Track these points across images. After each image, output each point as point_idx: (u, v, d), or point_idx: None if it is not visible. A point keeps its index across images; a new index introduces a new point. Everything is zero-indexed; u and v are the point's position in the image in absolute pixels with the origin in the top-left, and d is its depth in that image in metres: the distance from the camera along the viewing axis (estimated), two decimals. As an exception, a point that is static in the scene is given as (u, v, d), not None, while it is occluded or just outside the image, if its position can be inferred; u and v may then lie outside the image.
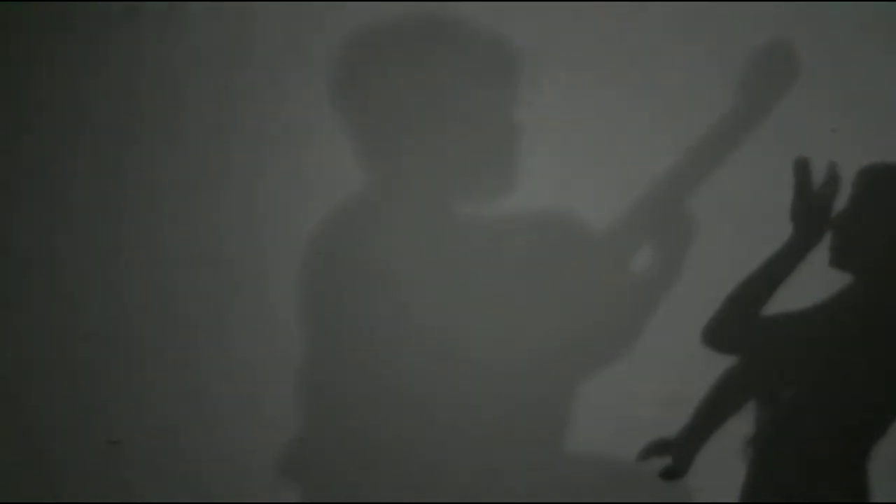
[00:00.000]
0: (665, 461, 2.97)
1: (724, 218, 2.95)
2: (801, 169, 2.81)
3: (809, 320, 2.86)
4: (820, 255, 2.86)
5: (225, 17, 3.07)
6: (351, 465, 3.05)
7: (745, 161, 2.94)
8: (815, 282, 2.88)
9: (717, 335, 2.88)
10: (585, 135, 2.99)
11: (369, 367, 3.01)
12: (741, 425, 2.95)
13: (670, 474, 2.95)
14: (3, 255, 3.13)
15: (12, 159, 3.12)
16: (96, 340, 3.12)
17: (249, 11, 3.06)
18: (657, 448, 2.96)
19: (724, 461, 2.94)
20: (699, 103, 2.95)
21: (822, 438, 2.81)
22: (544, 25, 2.98)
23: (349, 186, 3.00)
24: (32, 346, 3.13)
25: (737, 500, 2.92)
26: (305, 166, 3.04)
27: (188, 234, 3.09)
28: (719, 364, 2.91)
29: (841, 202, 2.84)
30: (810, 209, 2.83)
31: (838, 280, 2.86)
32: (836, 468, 2.81)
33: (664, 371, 2.97)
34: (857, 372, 2.80)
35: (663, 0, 2.96)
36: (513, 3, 2.97)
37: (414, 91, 2.97)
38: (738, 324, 2.87)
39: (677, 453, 2.95)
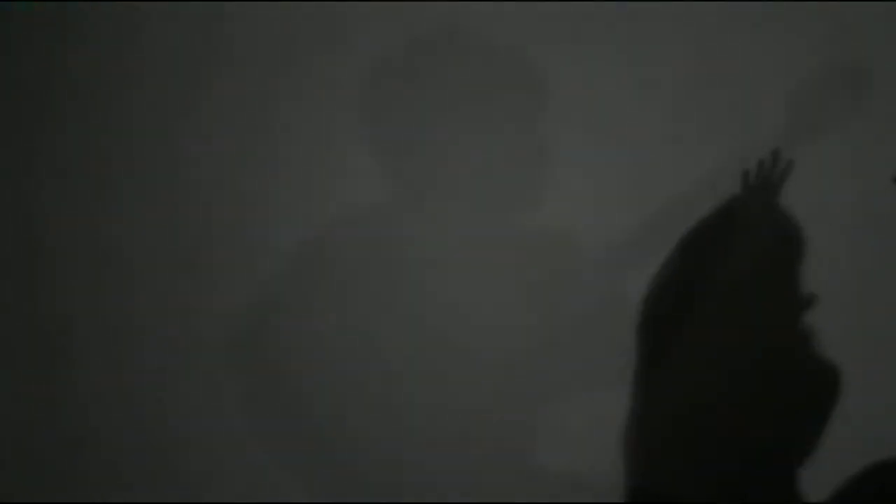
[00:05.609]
0: None
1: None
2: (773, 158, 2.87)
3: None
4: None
5: (228, 18, 3.08)
6: (346, 465, 3.04)
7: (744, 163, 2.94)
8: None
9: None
10: (593, 143, 2.98)
11: (370, 369, 3.01)
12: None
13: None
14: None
15: (10, 159, 3.13)
16: (89, 338, 3.12)
17: (253, 12, 3.06)
18: None
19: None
20: (705, 106, 2.95)
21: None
22: (558, 30, 2.97)
23: (358, 193, 3.00)
24: (27, 346, 3.13)
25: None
26: (315, 173, 3.05)
27: (180, 233, 3.10)
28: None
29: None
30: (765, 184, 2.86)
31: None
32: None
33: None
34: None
35: (677, 0, 2.95)
36: (531, 4, 2.97)
37: (431, 99, 2.97)
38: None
39: None
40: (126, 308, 3.11)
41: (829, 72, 2.91)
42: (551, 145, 2.96)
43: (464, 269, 2.98)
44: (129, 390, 3.11)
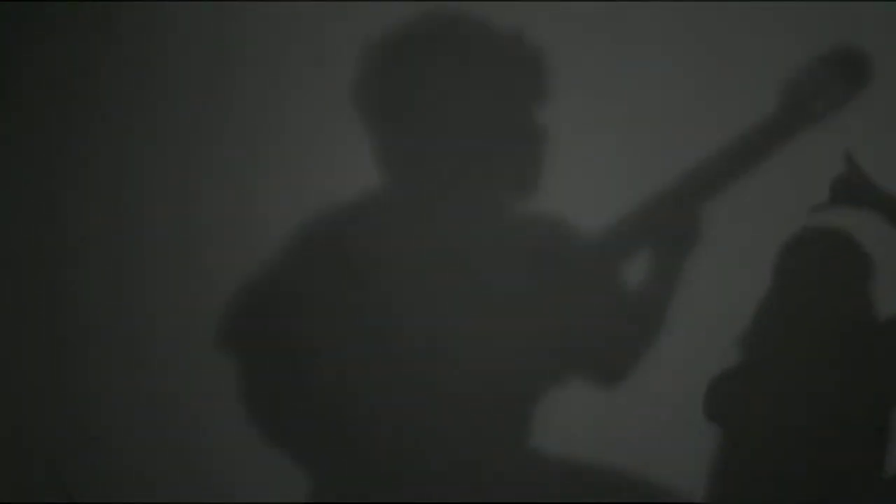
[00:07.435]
0: None
1: (722, 216, 2.93)
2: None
3: None
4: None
5: (227, 15, 3.08)
6: (353, 465, 3.04)
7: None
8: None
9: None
10: (591, 136, 2.98)
11: (367, 366, 3.00)
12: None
13: None
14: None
15: (9, 160, 3.15)
16: (102, 336, 3.13)
17: (253, 9, 3.08)
18: None
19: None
20: (712, 107, 2.94)
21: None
22: (558, 24, 2.97)
23: (365, 189, 2.99)
24: (27, 344, 3.15)
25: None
26: (305, 168, 3.05)
27: (190, 232, 3.10)
28: (711, 363, 2.89)
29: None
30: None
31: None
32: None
33: (651, 370, 2.95)
34: None
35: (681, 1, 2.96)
36: (526, 2, 2.97)
37: (427, 91, 2.97)
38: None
39: None
40: (139, 307, 3.12)
41: (829, 71, 2.90)
42: (550, 136, 2.96)
43: (464, 262, 2.98)
44: (142, 389, 3.12)
